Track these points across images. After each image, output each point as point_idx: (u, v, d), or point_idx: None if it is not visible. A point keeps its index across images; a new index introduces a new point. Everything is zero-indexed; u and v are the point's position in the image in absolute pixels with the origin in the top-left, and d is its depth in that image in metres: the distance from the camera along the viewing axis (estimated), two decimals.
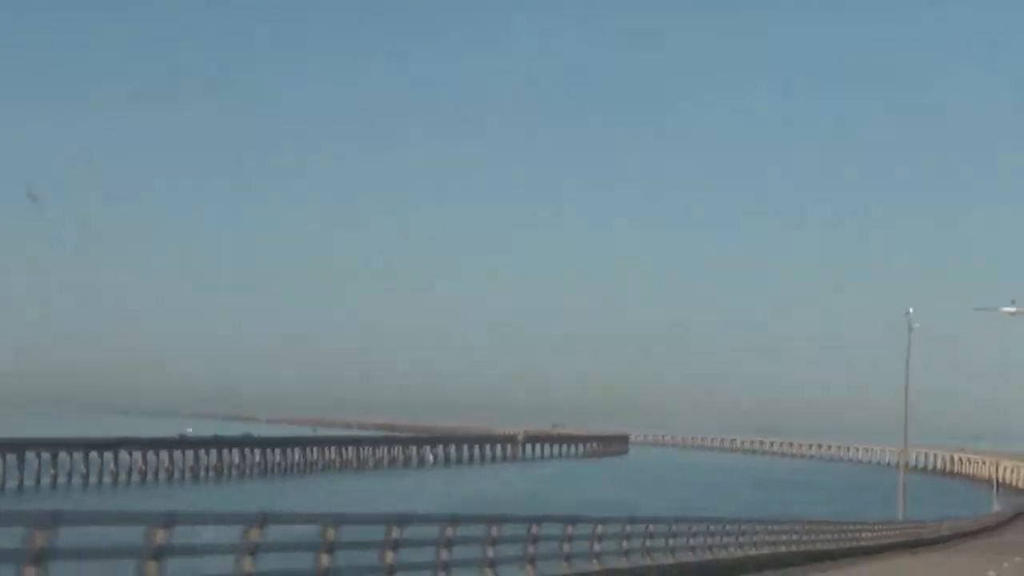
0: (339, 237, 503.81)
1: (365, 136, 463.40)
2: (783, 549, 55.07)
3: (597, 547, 37.11)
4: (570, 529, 35.73)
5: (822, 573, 51.94)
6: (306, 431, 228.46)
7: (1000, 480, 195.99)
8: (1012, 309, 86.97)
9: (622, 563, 38.67)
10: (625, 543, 39.47)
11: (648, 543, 41.11)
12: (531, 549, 32.92)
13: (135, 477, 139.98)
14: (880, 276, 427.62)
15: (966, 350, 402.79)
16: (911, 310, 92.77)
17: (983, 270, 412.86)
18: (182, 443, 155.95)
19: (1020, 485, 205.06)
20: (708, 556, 45.62)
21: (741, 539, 50.71)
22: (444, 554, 28.14)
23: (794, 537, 59.06)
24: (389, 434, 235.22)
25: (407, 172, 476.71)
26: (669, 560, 42.12)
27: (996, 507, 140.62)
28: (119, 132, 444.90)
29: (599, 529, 37.79)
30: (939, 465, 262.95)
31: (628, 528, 40.08)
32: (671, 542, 43.03)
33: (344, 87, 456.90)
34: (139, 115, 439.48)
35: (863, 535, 74.08)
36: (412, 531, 27.44)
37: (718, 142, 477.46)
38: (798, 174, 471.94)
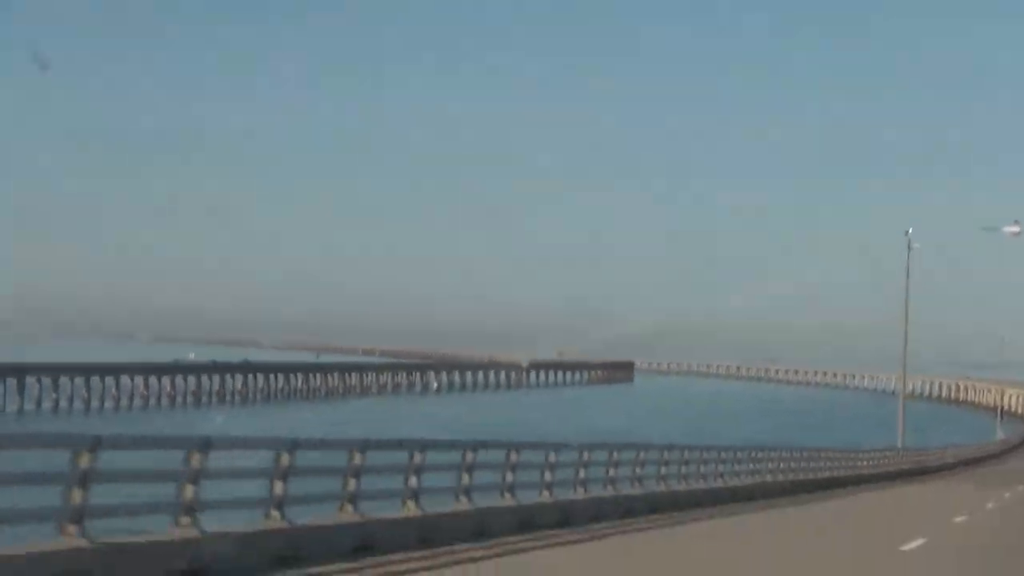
0: (346, 162, 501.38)
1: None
2: (770, 479, 54.16)
3: (612, 473, 38.25)
4: (586, 455, 36.81)
5: (820, 502, 51.38)
6: (310, 357, 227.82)
7: (1005, 408, 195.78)
8: (1016, 228, 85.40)
9: (636, 490, 39.82)
10: (638, 470, 40.45)
11: (663, 470, 42.29)
12: (548, 476, 34.10)
13: (137, 402, 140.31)
14: (886, 199, 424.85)
15: (970, 275, 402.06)
16: (910, 230, 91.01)
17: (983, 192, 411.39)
18: (181, 368, 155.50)
19: None
20: (702, 485, 45.33)
21: (737, 467, 50.21)
22: (465, 479, 29.30)
23: (792, 466, 58.38)
24: (393, 360, 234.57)
25: (405, 100, 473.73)
26: (677, 488, 43.12)
27: (1000, 434, 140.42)
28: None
29: (615, 456, 38.91)
30: (944, 393, 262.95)
31: (642, 455, 41.01)
32: (683, 469, 44.30)
33: None
34: None
35: (862, 464, 72.58)
36: (433, 456, 28.45)
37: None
38: (798, 83, 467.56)
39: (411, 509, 27.01)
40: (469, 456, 29.48)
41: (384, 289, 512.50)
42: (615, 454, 39.21)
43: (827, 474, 63.44)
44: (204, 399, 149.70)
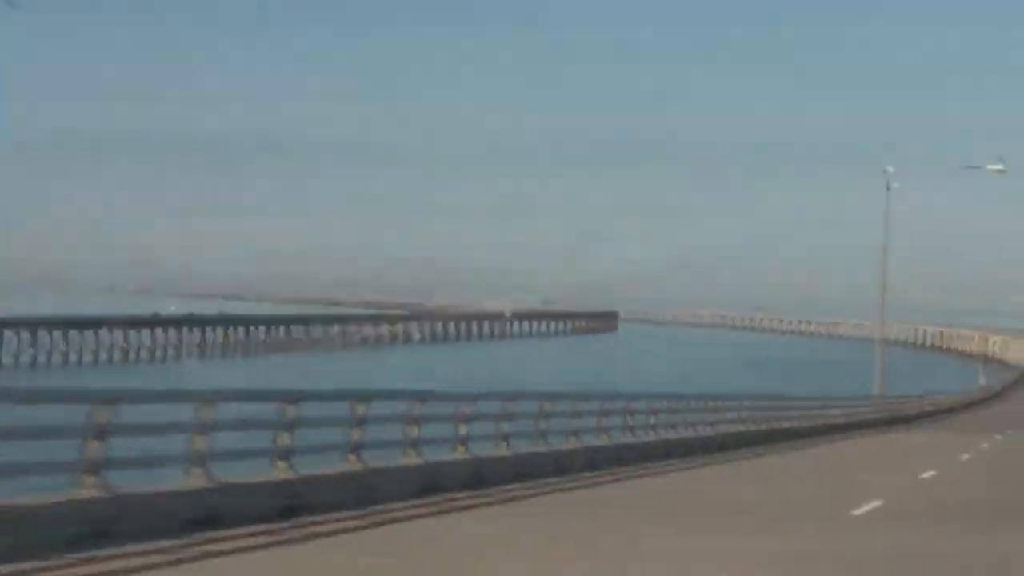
0: (332, 112, 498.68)
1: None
2: (730, 430, 51.89)
3: (604, 422, 39.71)
4: (581, 406, 38.52)
5: (779, 455, 48.30)
6: (289, 309, 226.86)
7: (990, 355, 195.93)
8: (1000, 166, 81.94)
9: (623, 438, 40.97)
10: (618, 420, 41.34)
11: (629, 421, 42.42)
12: (542, 425, 35.20)
13: (117, 355, 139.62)
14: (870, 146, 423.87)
15: (952, 219, 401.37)
16: (890, 169, 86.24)
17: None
18: (160, 321, 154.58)
19: (1009, 359, 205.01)
20: (657, 436, 44.30)
21: (693, 417, 48.53)
22: (463, 429, 30.37)
23: (756, 416, 56.19)
24: (375, 312, 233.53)
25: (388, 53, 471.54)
26: (648, 438, 42.96)
27: (982, 381, 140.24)
28: None
29: (604, 406, 40.34)
30: (928, 341, 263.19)
31: (609, 406, 41.37)
32: (652, 419, 44.13)
33: None
34: None
35: (834, 412, 69.95)
36: (432, 407, 29.46)
37: None
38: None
39: (412, 457, 27.67)
40: (468, 407, 30.50)
41: (365, 239, 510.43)
42: (603, 405, 40.52)
43: (792, 424, 60.14)
44: (185, 352, 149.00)
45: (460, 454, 30.04)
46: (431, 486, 27.10)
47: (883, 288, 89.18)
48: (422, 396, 29.12)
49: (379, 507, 23.98)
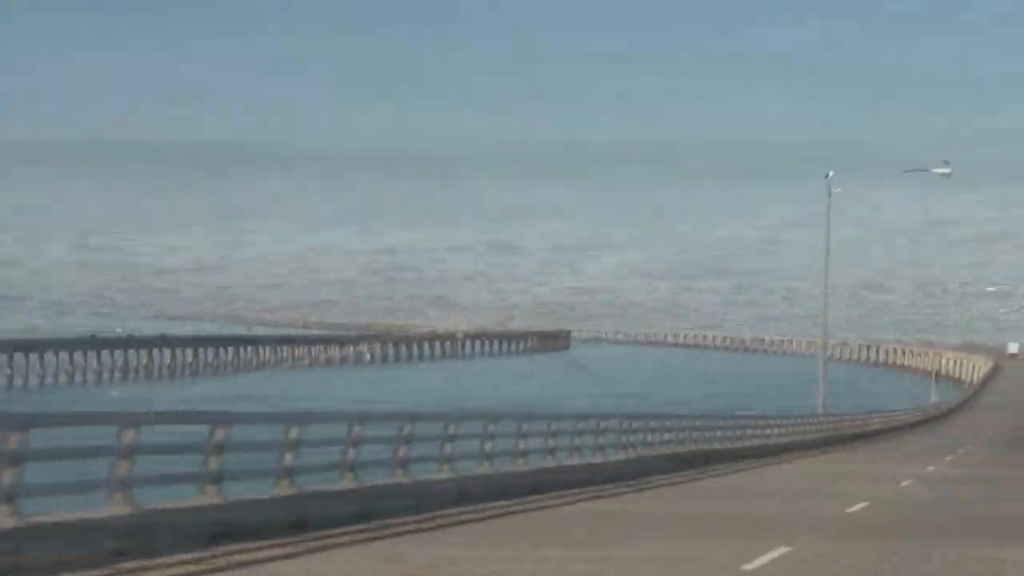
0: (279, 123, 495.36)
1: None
2: (641, 453, 46.20)
3: (551, 443, 39.06)
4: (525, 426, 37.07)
5: (691, 483, 41.53)
6: (240, 330, 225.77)
7: (943, 372, 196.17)
8: (945, 170, 78.96)
9: (574, 459, 40.33)
10: (555, 441, 39.86)
11: (577, 441, 41.58)
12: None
13: (62, 378, 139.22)
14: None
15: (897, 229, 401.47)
16: (831, 173, 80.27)
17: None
18: (98, 343, 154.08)
19: (963, 377, 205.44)
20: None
21: (603, 440, 43.89)
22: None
23: (676, 437, 50.74)
24: (327, 333, 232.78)
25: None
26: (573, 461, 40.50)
27: (935, 398, 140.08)
28: None
29: (553, 426, 39.48)
30: (880, 357, 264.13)
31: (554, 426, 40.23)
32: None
33: None
34: None
35: (769, 431, 64.72)
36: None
37: None
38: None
39: (348, 481, 27.11)
40: (407, 428, 29.87)
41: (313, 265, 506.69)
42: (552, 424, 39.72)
43: (721, 445, 54.77)
44: (131, 375, 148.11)
45: (400, 477, 29.12)
46: (367, 511, 25.79)
47: (825, 299, 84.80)
48: (361, 417, 28.32)
49: (313, 533, 22.74)
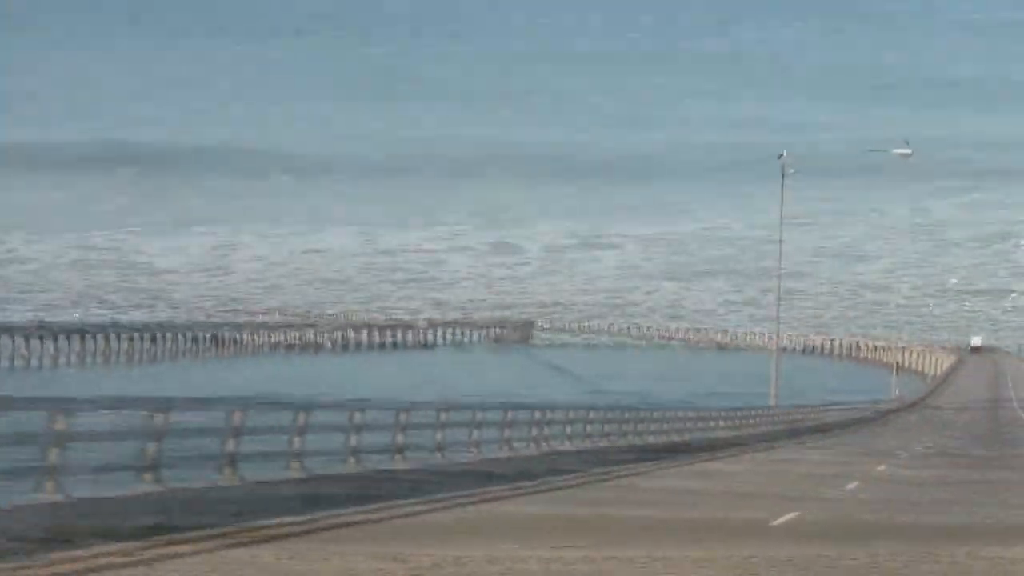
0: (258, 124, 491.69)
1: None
2: (562, 447, 43.56)
3: (507, 433, 39.18)
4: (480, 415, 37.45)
5: (617, 479, 35.25)
6: (200, 317, 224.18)
7: (905, 365, 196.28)
8: (905, 150, 78.24)
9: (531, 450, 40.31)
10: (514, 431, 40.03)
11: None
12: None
13: (18, 363, 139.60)
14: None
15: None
16: (784, 153, 77.82)
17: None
18: (47, 329, 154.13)
19: (925, 370, 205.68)
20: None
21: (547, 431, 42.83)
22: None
23: (610, 428, 48.79)
24: (288, 320, 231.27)
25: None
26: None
27: (896, 392, 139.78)
28: None
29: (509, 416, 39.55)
30: (845, 351, 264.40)
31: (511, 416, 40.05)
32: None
33: None
34: None
35: (717, 425, 62.72)
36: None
37: None
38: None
39: (296, 470, 27.00)
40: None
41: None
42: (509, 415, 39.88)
43: (658, 440, 51.77)
44: (88, 360, 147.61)
45: (351, 467, 28.74)
46: (314, 500, 24.53)
47: (778, 288, 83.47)
48: (307, 406, 28.32)
49: (258, 523, 21.13)
